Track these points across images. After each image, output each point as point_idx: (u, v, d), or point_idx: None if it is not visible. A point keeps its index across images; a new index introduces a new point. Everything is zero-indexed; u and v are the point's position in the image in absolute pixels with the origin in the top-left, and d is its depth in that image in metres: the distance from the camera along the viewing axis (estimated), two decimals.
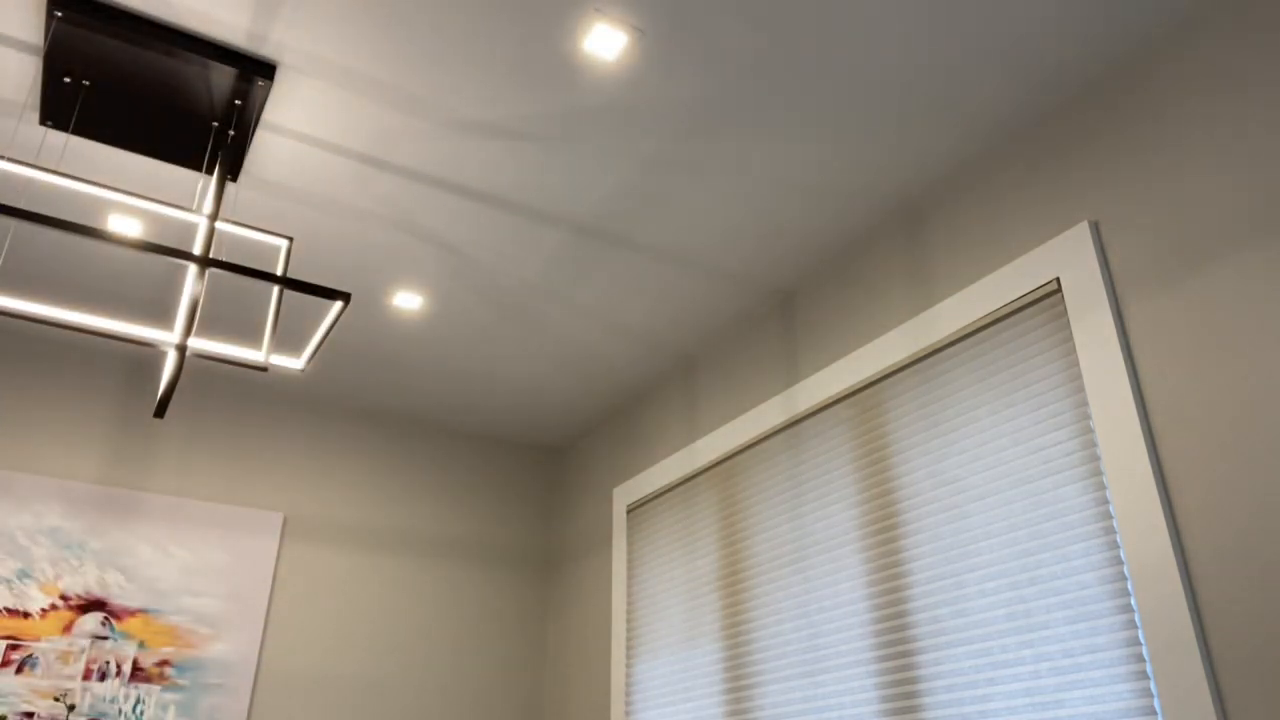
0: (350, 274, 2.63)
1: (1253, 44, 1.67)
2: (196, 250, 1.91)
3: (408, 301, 2.76)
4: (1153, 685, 1.56)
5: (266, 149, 2.16)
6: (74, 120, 2.03)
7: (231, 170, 2.19)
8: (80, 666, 2.70)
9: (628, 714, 2.95)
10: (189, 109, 2.01)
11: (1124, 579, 1.65)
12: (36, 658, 2.66)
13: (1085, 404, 1.79)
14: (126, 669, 2.75)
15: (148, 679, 2.77)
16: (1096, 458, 1.75)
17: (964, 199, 2.19)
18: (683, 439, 3.02)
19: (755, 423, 2.67)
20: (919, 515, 2.09)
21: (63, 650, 2.70)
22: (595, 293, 2.73)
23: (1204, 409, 1.61)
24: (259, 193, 2.31)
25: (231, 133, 2.07)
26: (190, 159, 2.15)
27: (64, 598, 2.75)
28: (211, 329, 2.89)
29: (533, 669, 3.46)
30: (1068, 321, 1.86)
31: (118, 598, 2.81)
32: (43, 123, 2.04)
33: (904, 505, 2.14)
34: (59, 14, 1.76)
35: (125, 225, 2.42)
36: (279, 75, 1.94)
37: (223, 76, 1.92)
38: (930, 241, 2.25)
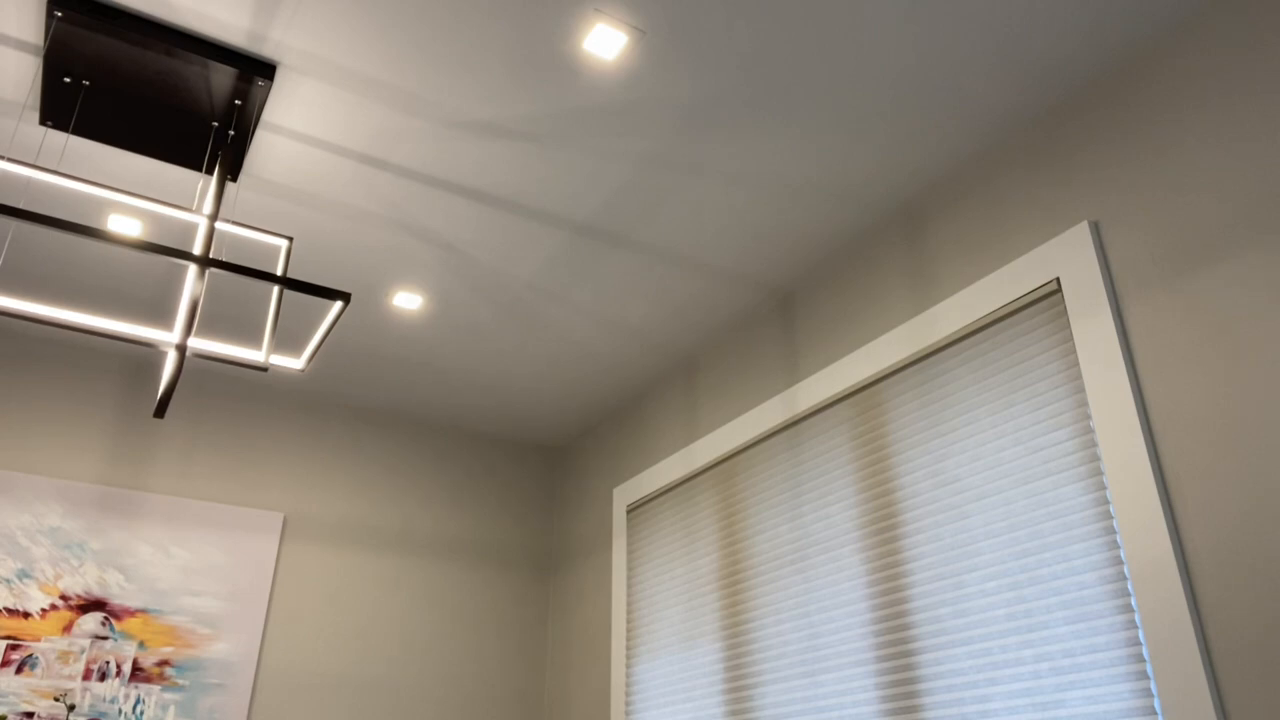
0: (350, 274, 2.63)
1: (1252, 45, 1.68)
2: (196, 250, 1.91)
3: (408, 301, 2.76)
4: (1153, 685, 1.56)
5: (266, 149, 2.16)
6: (74, 120, 2.03)
7: (231, 170, 2.19)
8: (80, 666, 2.70)
9: (628, 714, 2.95)
10: (189, 109, 2.01)
11: (1124, 579, 1.65)
12: (36, 658, 2.66)
13: (1085, 404, 1.79)
14: (126, 669, 2.75)
15: (148, 679, 2.77)
16: (1096, 458, 1.75)
17: (964, 199, 2.19)
18: (683, 439, 3.02)
19: (755, 423, 2.67)
20: (919, 515, 2.09)
21: (63, 650, 2.70)
22: (595, 292, 2.73)
23: (1204, 409, 1.61)
24: (259, 193, 2.31)
25: (231, 133, 2.07)
26: (190, 159, 2.15)
27: (64, 598, 2.75)
28: (211, 329, 2.89)
29: (533, 669, 3.46)
30: (1068, 321, 1.86)
31: (118, 598, 2.81)
32: (43, 123, 2.04)
33: (904, 505, 2.14)
34: (59, 14, 1.76)
35: (125, 225, 2.42)
36: (279, 75, 1.94)
37: (223, 76, 1.92)
38: (930, 241, 2.25)
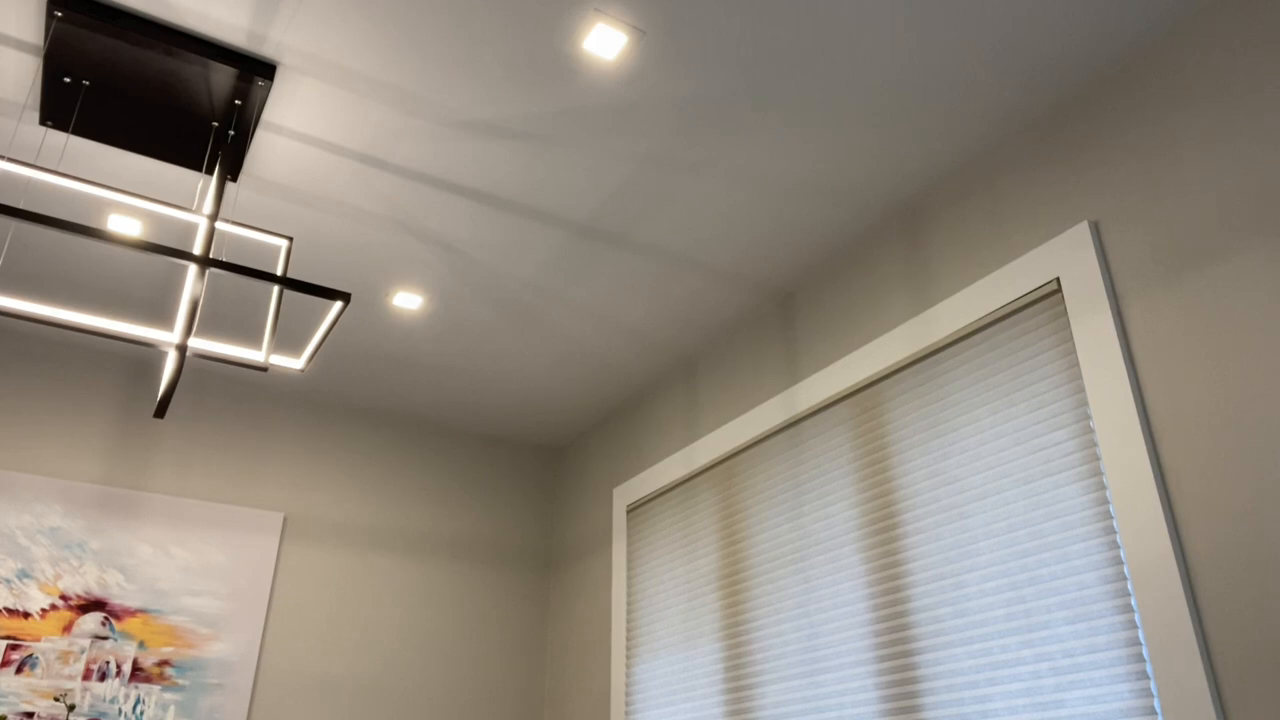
0: (350, 274, 2.63)
1: (1251, 45, 1.68)
2: (196, 250, 1.91)
3: (408, 301, 2.76)
4: (1153, 685, 1.56)
5: (266, 149, 2.16)
6: (74, 120, 2.03)
7: (231, 170, 2.19)
8: (80, 666, 2.70)
9: (628, 714, 2.95)
10: (189, 109, 2.01)
11: (1124, 579, 1.65)
12: (36, 658, 2.66)
13: (1085, 404, 1.79)
14: (126, 669, 2.75)
15: (148, 679, 2.77)
16: (1096, 458, 1.75)
17: (964, 199, 2.19)
18: (683, 439, 3.02)
19: (755, 423, 2.67)
20: (919, 515, 2.09)
21: (63, 650, 2.70)
22: (595, 292, 2.73)
23: (1204, 408, 1.61)
24: (259, 193, 2.31)
25: (231, 133, 2.07)
26: (190, 159, 2.15)
27: (64, 598, 2.75)
28: (211, 329, 2.89)
29: (533, 669, 3.46)
30: (1068, 321, 1.86)
31: (118, 598, 2.81)
32: (43, 123, 2.04)
33: (904, 505, 2.14)
34: (59, 14, 1.76)
35: (125, 225, 2.42)
36: (279, 75, 1.94)
37: (223, 76, 1.92)
38: (930, 241, 2.25)
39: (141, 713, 2.73)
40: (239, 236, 2.44)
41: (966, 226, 2.16)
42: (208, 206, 2.00)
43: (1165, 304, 1.71)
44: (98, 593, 2.80)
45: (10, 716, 2.55)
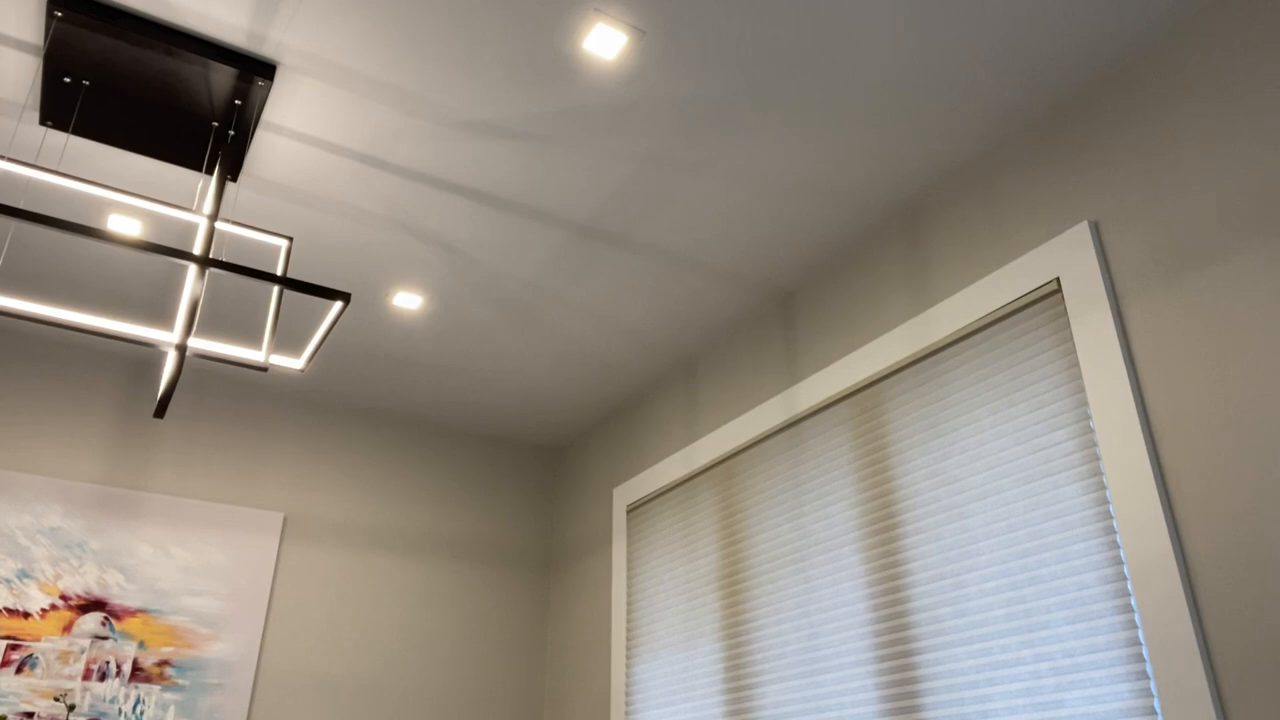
0: (350, 274, 2.63)
1: (1251, 45, 1.68)
2: (196, 250, 1.91)
3: (408, 301, 2.76)
4: (1153, 685, 1.56)
5: (266, 149, 2.16)
6: (74, 120, 2.03)
7: (231, 170, 2.19)
8: (80, 666, 2.70)
9: (628, 714, 2.95)
10: (189, 109, 2.01)
11: (1124, 579, 1.65)
12: (36, 658, 2.66)
13: (1085, 404, 1.79)
14: (126, 669, 2.75)
15: (148, 679, 2.77)
16: (1096, 458, 1.75)
17: (964, 199, 2.19)
18: (683, 439, 3.02)
19: (755, 423, 2.67)
20: (919, 515, 2.09)
21: (63, 650, 2.70)
22: (595, 292, 2.73)
23: (1203, 408, 1.61)
24: (259, 193, 2.31)
25: (231, 133, 2.07)
26: (190, 159, 2.15)
27: (64, 598, 2.75)
28: (211, 329, 2.89)
29: (533, 669, 3.46)
30: (1068, 321, 1.86)
31: (118, 598, 2.81)
32: (43, 123, 2.04)
33: (904, 505, 2.14)
34: (59, 14, 1.76)
35: (125, 225, 2.42)
36: (279, 75, 1.94)
37: (223, 76, 1.92)
38: (930, 241, 2.25)
39: (141, 713, 2.73)
40: (239, 236, 2.44)
41: (966, 226, 2.16)
42: (208, 206, 2.01)
43: (1165, 304, 1.71)
44: (98, 593, 2.80)
45: (10, 716, 2.55)
